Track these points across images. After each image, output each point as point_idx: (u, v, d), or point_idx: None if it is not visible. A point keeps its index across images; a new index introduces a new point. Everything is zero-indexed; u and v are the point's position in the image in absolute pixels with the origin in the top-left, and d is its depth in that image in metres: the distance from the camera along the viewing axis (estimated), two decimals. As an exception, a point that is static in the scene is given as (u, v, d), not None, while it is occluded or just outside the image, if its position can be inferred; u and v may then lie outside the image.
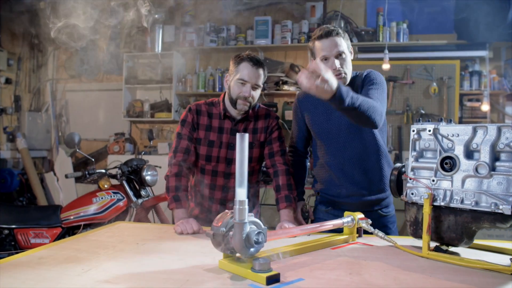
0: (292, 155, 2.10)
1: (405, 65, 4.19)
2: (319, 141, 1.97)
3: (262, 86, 1.89)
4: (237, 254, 1.18)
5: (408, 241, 1.55)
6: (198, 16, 4.85)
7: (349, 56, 1.85)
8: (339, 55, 1.80)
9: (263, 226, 1.14)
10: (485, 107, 3.92)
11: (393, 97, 4.21)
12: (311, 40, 1.87)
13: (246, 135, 1.08)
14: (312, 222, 2.04)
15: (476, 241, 1.41)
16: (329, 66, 1.79)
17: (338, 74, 1.80)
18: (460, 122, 4.01)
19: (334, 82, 1.47)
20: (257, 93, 1.88)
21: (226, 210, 1.18)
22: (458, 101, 4.06)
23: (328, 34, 1.80)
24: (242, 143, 1.08)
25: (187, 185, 1.88)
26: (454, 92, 4.06)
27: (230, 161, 1.92)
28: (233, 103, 1.87)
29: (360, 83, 1.86)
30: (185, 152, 1.90)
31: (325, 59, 1.81)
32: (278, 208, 1.87)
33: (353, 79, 1.91)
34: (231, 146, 1.92)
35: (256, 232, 1.09)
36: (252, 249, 1.10)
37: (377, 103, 1.68)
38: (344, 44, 1.82)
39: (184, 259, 1.29)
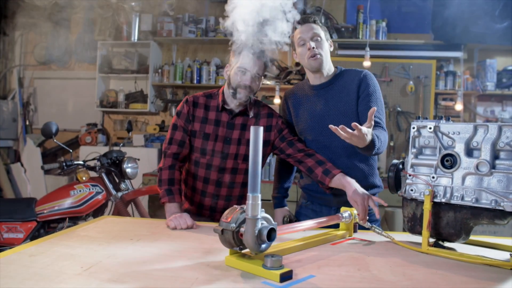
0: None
1: (384, 63, 4.26)
2: (303, 138, 1.97)
3: (262, 76, 1.84)
4: (244, 250, 1.15)
5: (403, 236, 1.56)
6: (177, 5, 4.73)
7: (325, 43, 1.87)
8: (314, 37, 1.83)
9: (273, 222, 1.12)
10: (459, 106, 4.05)
11: (371, 94, 4.28)
12: (292, 32, 1.89)
13: (261, 128, 1.05)
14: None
15: (471, 237, 1.45)
16: (305, 49, 1.84)
17: (313, 55, 1.83)
18: (435, 120, 4.12)
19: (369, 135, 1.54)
20: (257, 83, 1.83)
21: (235, 206, 1.15)
22: (433, 100, 4.18)
23: (305, 20, 1.85)
24: (257, 137, 1.04)
25: (180, 178, 1.82)
26: (430, 91, 4.17)
27: (225, 155, 1.87)
28: (233, 92, 1.81)
29: (357, 82, 1.86)
30: (180, 145, 1.84)
31: (302, 43, 1.85)
32: (328, 177, 1.76)
33: (345, 73, 1.92)
34: (227, 140, 1.86)
35: (268, 228, 1.06)
36: (263, 245, 1.08)
37: (385, 133, 1.77)
38: (321, 31, 1.86)
39: (186, 255, 1.24)
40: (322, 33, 1.86)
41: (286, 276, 1.03)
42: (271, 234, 1.07)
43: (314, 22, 1.86)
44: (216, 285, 0.99)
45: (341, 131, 1.46)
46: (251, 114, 1.89)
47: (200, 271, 1.09)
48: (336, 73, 1.92)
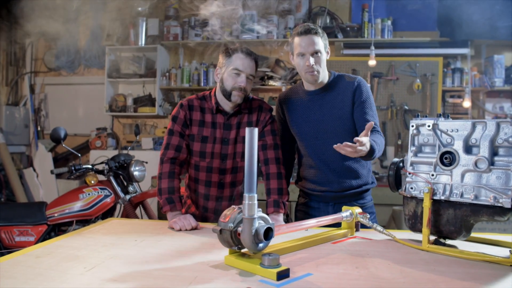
0: None
1: (390, 62, 4.25)
2: (299, 141, 2.01)
3: (254, 77, 1.86)
4: (243, 250, 1.17)
5: (404, 234, 1.57)
6: (183, 9, 4.78)
7: (324, 55, 1.88)
8: (314, 53, 1.83)
9: (270, 221, 1.13)
10: (467, 103, 4.02)
11: (377, 93, 4.27)
12: (291, 36, 1.90)
13: (256, 130, 1.07)
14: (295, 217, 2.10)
15: (472, 234, 1.44)
16: (304, 63, 1.84)
17: (311, 71, 1.85)
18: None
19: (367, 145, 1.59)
20: (250, 85, 1.85)
21: (233, 206, 1.17)
22: (440, 97, 4.15)
23: (307, 31, 1.83)
24: (251, 138, 1.06)
25: (179, 186, 1.84)
26: (437, 89, 4.14)
27: (224, 156, 1.89)
28: (228, 95, 1.82)
29: (352, 89, 1.89)
30: (177, 150, 1.85)
31: (301, 55, 1.85)
32: (266, 212, 1.86)
33: (337, 78, 1.94)
34: (225, 141, 1.89)
35: (265, 227, 1.08)
36: (261, 245, 1.10)
37: (381, 137, 1.81)
38: (322, 43, 1.85)
39: (187, 255, 1.27)
40: (322, 45, 1.85)
41: (283, 275, 1.04)
42: (268, 233, 1.09)
43: (316, 33, 1.83)
44: (214, 284, 1.01)
45: (346, 148, 1.52)
46: (246, 112, 1.91)
47: (199, 270, 1.12)
48: (330, 79, 1.94)
